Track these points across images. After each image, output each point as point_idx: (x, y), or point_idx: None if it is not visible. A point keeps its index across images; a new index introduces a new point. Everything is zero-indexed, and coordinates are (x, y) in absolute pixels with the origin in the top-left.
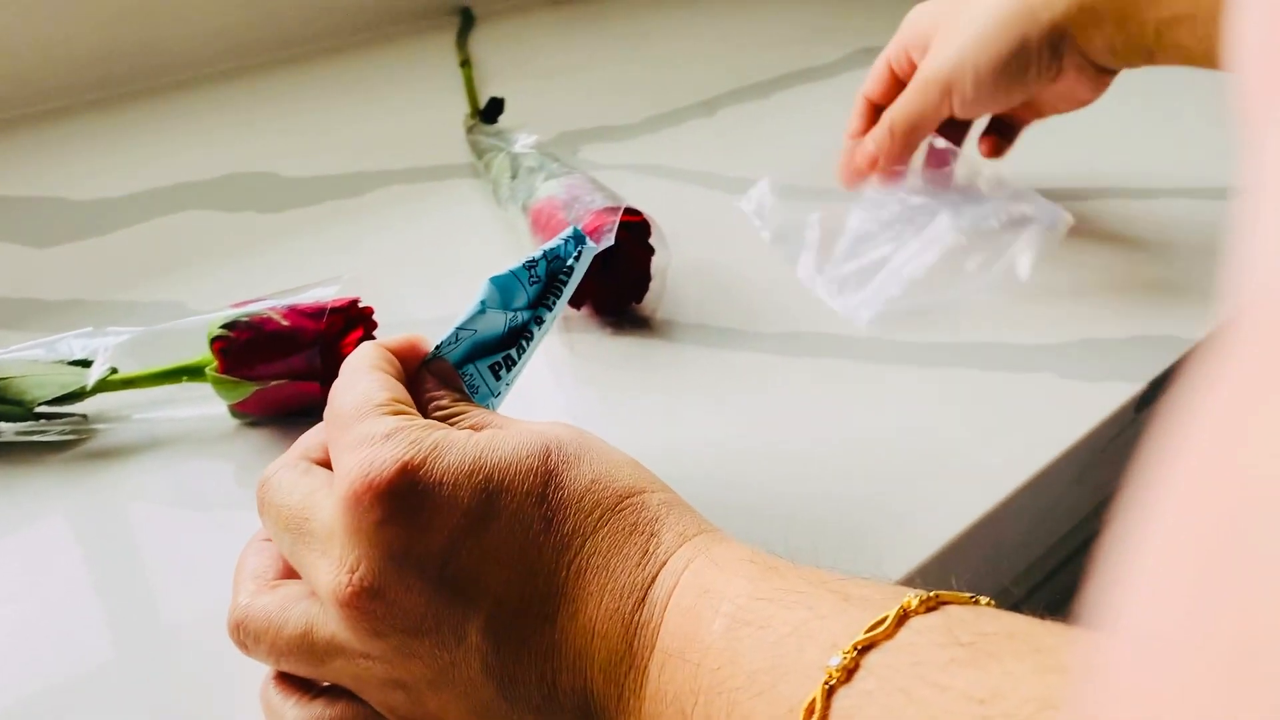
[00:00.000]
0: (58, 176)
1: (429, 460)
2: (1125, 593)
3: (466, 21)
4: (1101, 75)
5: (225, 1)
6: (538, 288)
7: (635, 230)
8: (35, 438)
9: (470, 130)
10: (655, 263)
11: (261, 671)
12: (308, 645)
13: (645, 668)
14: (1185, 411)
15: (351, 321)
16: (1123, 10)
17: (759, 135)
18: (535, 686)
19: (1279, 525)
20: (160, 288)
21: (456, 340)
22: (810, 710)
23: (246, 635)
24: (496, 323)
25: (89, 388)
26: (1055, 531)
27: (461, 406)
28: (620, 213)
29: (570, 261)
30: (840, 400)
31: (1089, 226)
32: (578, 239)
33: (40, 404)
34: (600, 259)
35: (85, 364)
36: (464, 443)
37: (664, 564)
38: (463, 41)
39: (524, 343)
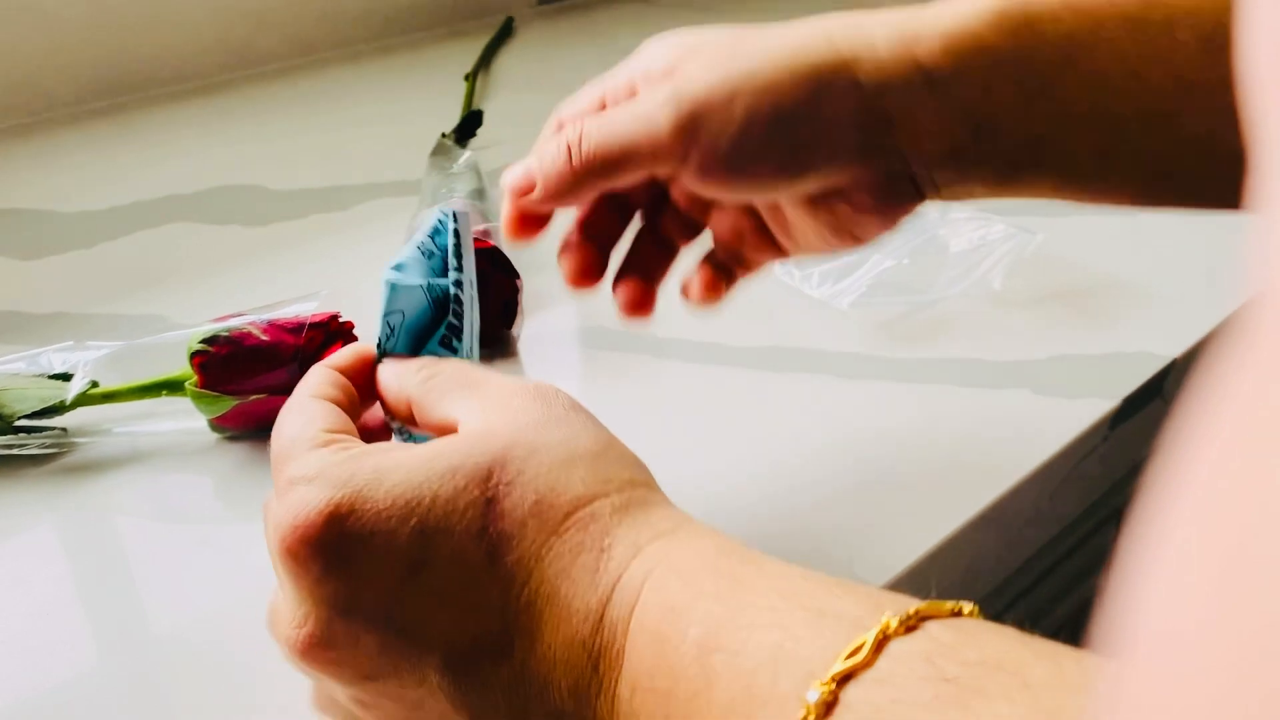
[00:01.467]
0: (43, 189)
1: (356, 503)
2: (1142, 595)
3: (503, 32)
4: (902, 197)
5: (210, 15)
6: (438, 260)
7: (493, 257)
8: (15, 451)
9: (435, 150)
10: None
11: (243, 678)
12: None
13: (614, 692)
14: (1201, 414)
15: (331, 336)
16: (993, 97)
17: None
18: (507, 715)
19: None
20: (145, 300)
21: (392, 331)
22: None
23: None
24: (417, 298)
25: (69, 401)
26: (1030, 547)
27: (434, 367)
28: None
29: (453, 227)
30: (816, 415)
31: (1064, 242)
32: (445, 213)
33: (20, 417)
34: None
35: (66, 378)
36: (395, 475)
37: (617, 581)
38: (490, 52)
39: (457, 307)
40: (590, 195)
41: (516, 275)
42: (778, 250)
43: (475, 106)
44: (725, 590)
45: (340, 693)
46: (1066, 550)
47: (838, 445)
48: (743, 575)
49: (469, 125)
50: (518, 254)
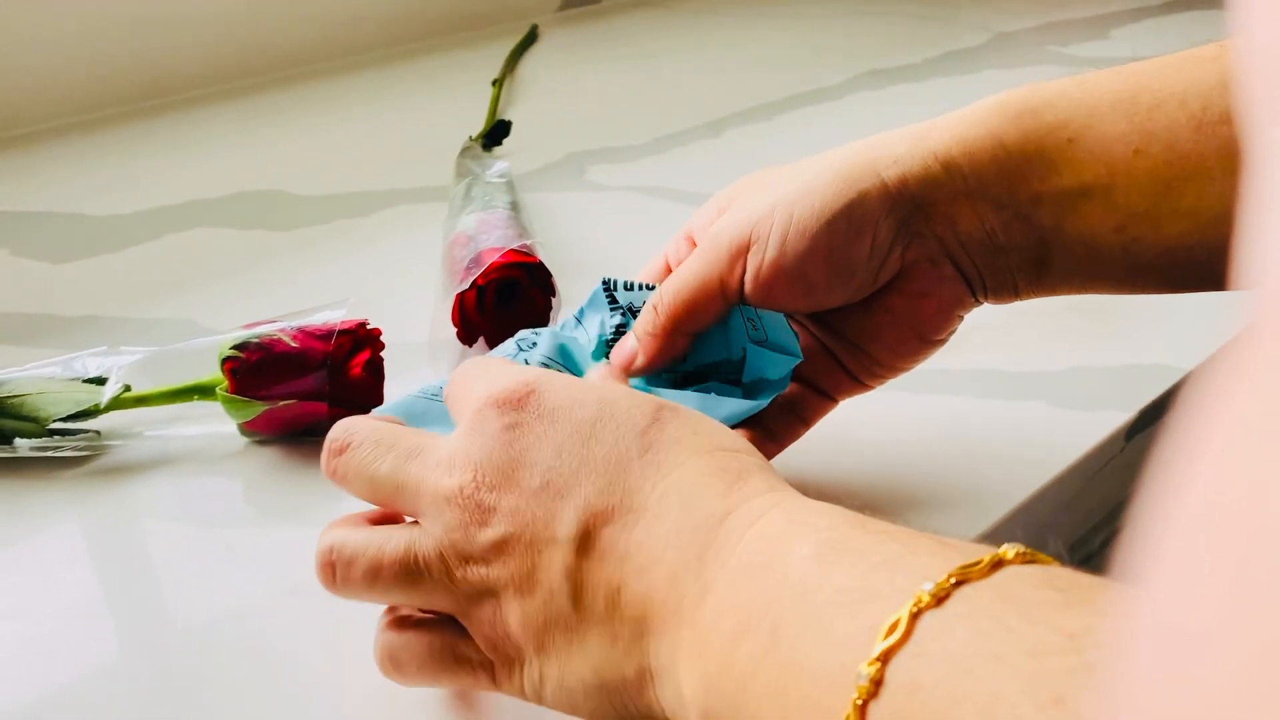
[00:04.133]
0: (71, 192)
1: (552, 384)
2: (1149, 597)
3: (528, 39)
4: (962, 293)
5: (236, 21)
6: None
7: (533, 272)
8: (49, 453)
9: (463, 152)
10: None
11: (266, 681)
12: (408, 564)
13: (713, 580)
14: (1203, 420)
15: (359, 343)
16: (1007, 173)
17: (765, 156)
18: (602, 592)
19: None
20: (172, 304)
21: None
22: (893, 628)
23: (341, 558)
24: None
25: (102, 405)
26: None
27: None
28: (502, 253)
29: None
30: (832, 425)
31: None
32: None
33: (55, 420)
34: (499, 294)
35: (99, 382)
36: (582, 381)
37: (748, 499)
38: (516, 58)
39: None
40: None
41: (553, 292)
42: (850, 377)
43: (500, 112)
44: (850, 516)
45: (454, 577)
46: (1082, 559)
47: (854, 455)
48: (864, 518)
49: (497, 133)
50: (553, 257)
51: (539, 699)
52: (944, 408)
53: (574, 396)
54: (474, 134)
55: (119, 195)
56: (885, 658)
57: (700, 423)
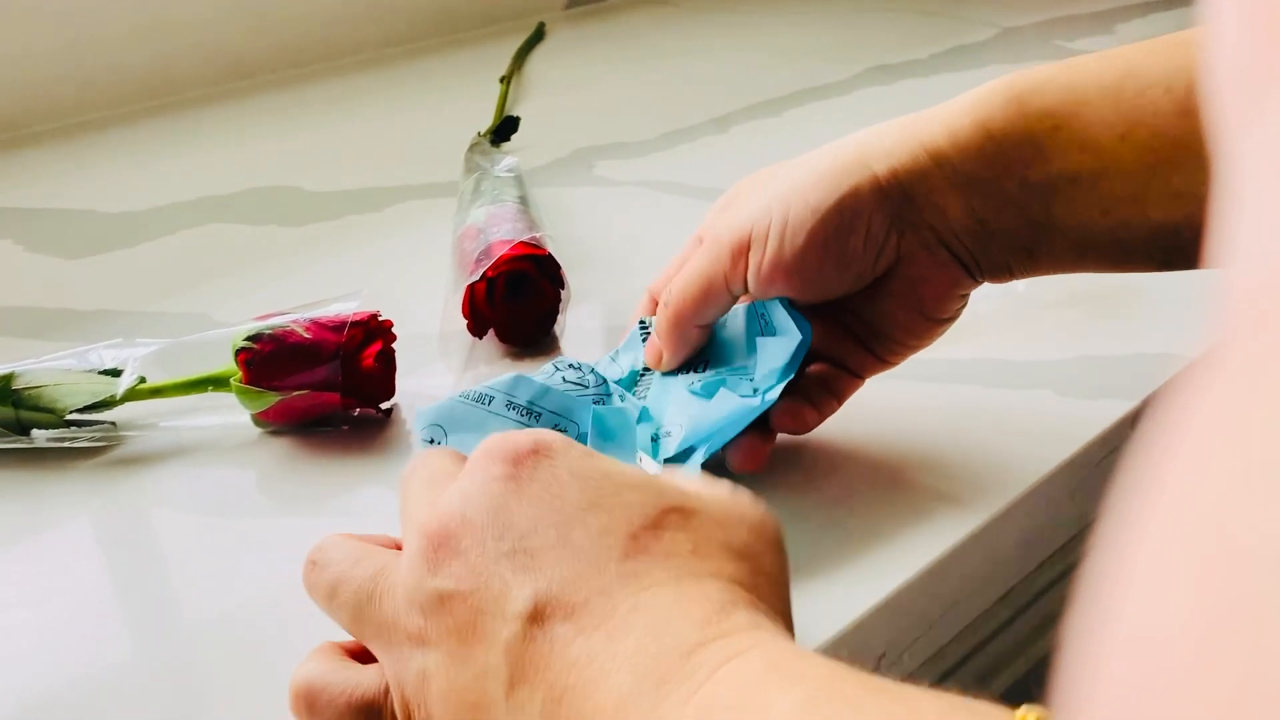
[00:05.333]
0: (85, 189)
1: (567, 454)
2: (1117, 600)
3: (535, 37)
4: (959, 276)
5: (249, 19)
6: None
7: (542, 265)
8: (66, 444)
9: (471, 148)
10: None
11: (279, 671)
12: (371, 584)
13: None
14: (1174, 422)
15: (371, 334)
16: (994, 162)
17: (772, 152)
18: (541, 694)
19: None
20: (186, 299)
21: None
22: None
23: (321, 554)
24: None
25: (118, 396)
26: (1049, 546)
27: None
28: (509, 246)
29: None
30: (840, 413)
31: None
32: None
33: (71, 411)
34: (509, 286)
35: (115, 373)
36: (603, 458)
37: (727, 634)
38: (523, 55)
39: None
40: (700, 335)
41: (563, 285)
42: (873, 356)
43: (508, 109)
44: (840, 670)
45: (402, 621)
46: (1089, 549)
47: (861, 444)
48: (852, 679)
49: (506, 129)
50: (562, 251)
51: None
52: (951, 396)
53: (582, 472)
54: (482, 130)
55: (132, 192)
56: None
57: (710, 536)
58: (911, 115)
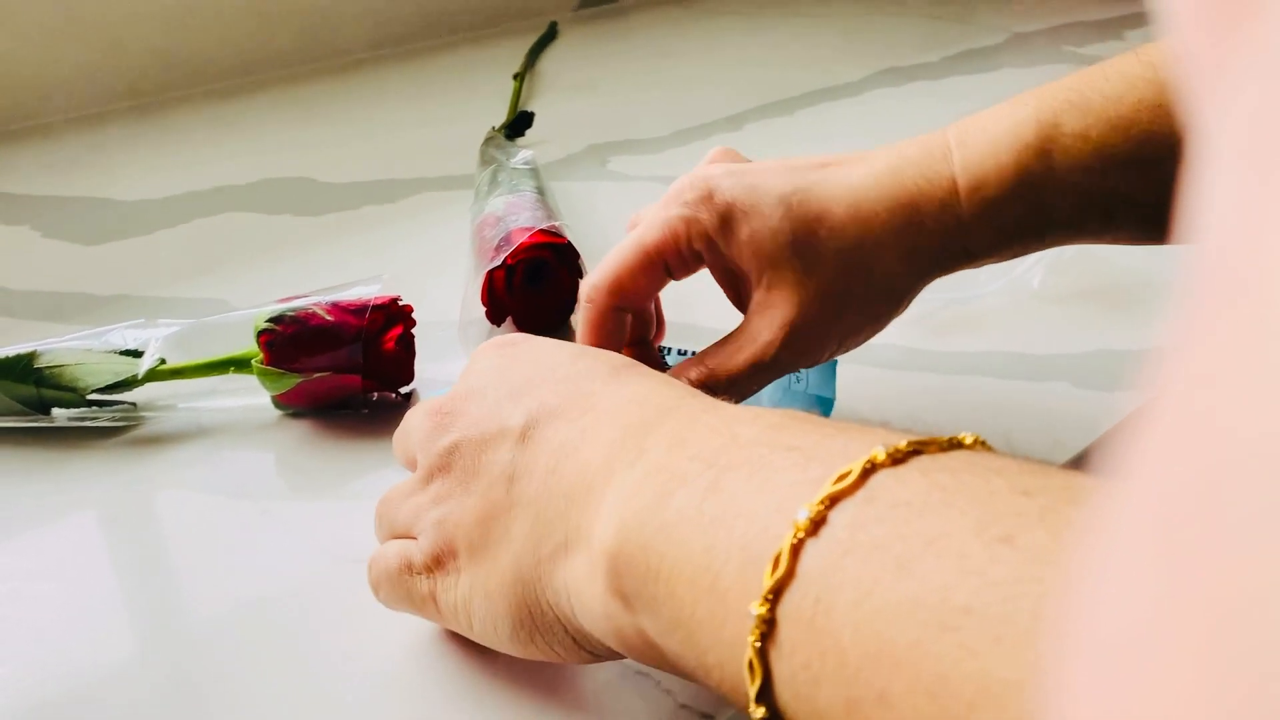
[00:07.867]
0: (103, 178)
1: (536, 336)
2: (1087, 600)
3: (548, 35)
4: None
5: (263, 14)
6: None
7: (562, 253)
8: (87, 423)
9: (486, 141)
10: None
11: (301, 649)
12: (394, 493)
13: (651, 448)
14: (1143, 402)
15: (392, 318)
16: (1029, 206)
17: (784, 151)
18: (538, 474)
19: (1247, 496)
20: (202, 285)
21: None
22: (843, 477)
23: (385, 505)
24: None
25: (140, 377)
26: None
27: None
28: (527, 234)
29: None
30: (858, 405)
31: None
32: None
33: (93, 391)
34: (527, 274)
35: (136, 354)
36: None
37: (706, 400)
38: (535, 54)
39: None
40: (619, 321)
41: (581, 274)
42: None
43: (522, 105)
44: (779, 418)
45: (420, 492)
46: None
47: None
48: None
49: (520, 124)
50: (576, 243)
51: (469, 620)
52: (970, 388)
53: (560, 342)
54: (497, 125)
55: (148, 181)
56: (831, 501)
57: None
58: (951, 171)
